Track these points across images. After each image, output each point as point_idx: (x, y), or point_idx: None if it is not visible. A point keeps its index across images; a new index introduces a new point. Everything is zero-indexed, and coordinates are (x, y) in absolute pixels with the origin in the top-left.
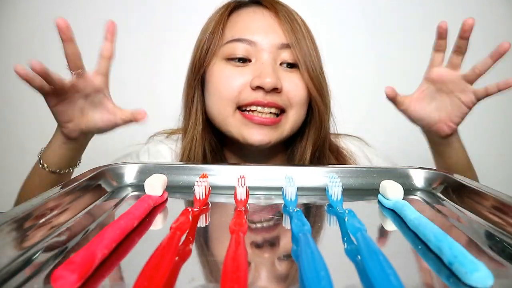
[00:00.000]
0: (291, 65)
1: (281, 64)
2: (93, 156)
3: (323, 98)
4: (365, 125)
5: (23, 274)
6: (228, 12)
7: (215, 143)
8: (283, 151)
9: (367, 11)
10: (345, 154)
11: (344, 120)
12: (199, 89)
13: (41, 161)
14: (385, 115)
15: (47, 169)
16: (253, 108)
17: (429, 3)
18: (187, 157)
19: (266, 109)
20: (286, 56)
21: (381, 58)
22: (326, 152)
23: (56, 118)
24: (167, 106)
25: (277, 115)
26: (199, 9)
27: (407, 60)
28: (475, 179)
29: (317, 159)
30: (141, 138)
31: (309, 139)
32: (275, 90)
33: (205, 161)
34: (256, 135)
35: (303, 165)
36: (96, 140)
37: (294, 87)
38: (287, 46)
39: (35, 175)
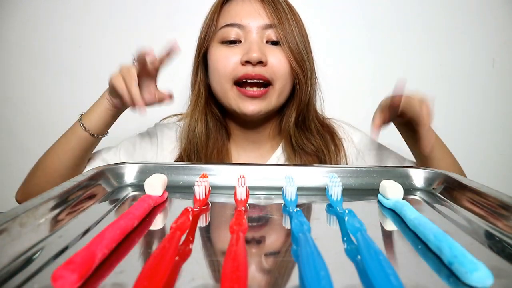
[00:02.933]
0: (275, 43)
1: (267, 42)
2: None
3: (303, 69)
4: (365, 125)
5: (23, 274)
6: (222, 2)
7: (217, 115)
8: (276, 119)
9: (367, 11)
10: (328, 124)
11: (346, 119)
12: (202, 70)
13: (82, 124)
14: None
15: (88, 131)
16: (245, 81)
17: (429, 3)
18: (190, 126)
19: (255, 81)
20: (271, 34)
21: (381, 58)
22: (310, 117)
23: (113, 89)
24: (167, 106)
25: (265, 86)
26: (199, 9)
27: (407, 60)
28: (462, 173)
29: (303, 123)
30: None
31: (294, 105)
32: (261, 63)
33: (207, 130)
34: (249, 106)
35: (303, 165)
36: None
37: (278, 61)
38: (270, 26)
39: (72, 137)
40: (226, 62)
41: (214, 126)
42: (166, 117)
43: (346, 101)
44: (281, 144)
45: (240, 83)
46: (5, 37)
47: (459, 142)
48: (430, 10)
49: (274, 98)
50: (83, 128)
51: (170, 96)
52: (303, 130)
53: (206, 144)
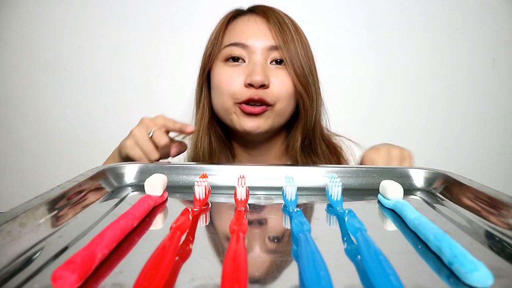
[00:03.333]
0: (280, 62)
1: (271, 62)
2: (93, 158)
3: (308, 91)
4: (365, 125)
5: (23, 274)
6: (227, 21)
7: (220, 135)
8: (280, 142)
9: (366, 11)
10: (336, 145)
11: (346, 119)
12: (206, 88)
13: None
14: (385, 115)
15: None
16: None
17: (429, 3)
18: (195, 146)
19: (257, 103)
20: (275, 55)
21: (380, 58)
22: (316, 141)
23: (129, 158)
24: (167, 106)
25: (266, 105)
26: (199, 9)
27: (406, 60)
28: None
29: (309, 147)
30: None
31: (299, 128)
32: (263, 86)
33: (210, 150)
34: (249, 123)
35: (303, 165)
36: (97, 141)
37: (281, 83)
38: (276, 47)
39: None
40: (229, 82)
41: (218, 146)
42: None
43: (345, 100)
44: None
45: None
46: (5, 37)
47: (459, 142)
48: (430, 10)
49: (271, 117)
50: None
51: (189, 128)
52: (309, 154)
53: (210, 161)
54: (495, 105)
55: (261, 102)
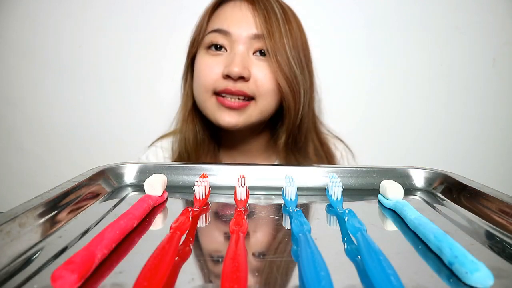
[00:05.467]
0: (263, 54)
1: (254, 52)
2: (93, 158)
3: (292, 86)
4: (364, 124)
5: (23, 274)
6: (214, 7)
7: (205, 124)
8: (267, 135)
9: (366, 11)
10: (327, 150)
11: (344, 119)
12: (190, 75)
13: None
14: (384, 115)
15: None
16: (224, 94)
17: (429, 3)
18: (180, 133)
19: (235, 96)
20: (258, 45)
21: (380, 57)
22: (302, 139)
23: None
24: (167, 106)
25: (248, 99)
26: (199, 9)
27: (406, 60)
28: None
29: (293, 144)
30: (140, 138)
31: (284, 125)
32: (242, 78)
33: (196, 139)
34: (226, 117)
35: (303, 165)
36: (97, 141)
37: (262, 76)
38: (259, 36)
39: None
40: (208, 72)
41: (202, 132)
42: (158, 139)
43: (344, 100)
44: (276, 160)
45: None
46: (5, 37)
47: (459, 142)
48: (430, 10)
49: (254, 113)
50: None
51: None
52: (293, 152)
53: (196, 151)
54: (495, 105)
55: (240, 95)
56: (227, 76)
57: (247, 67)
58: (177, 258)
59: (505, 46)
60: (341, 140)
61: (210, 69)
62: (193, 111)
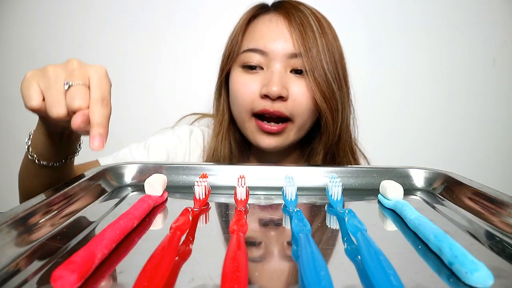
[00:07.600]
0: (301, 71)
1: (291, 71)
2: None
3: (331, 104)
4: (364, 125)
5: (23, 274)
6: (248, 20)
7: (240, 139)
8: (300, 150)
9: (366, 11)
10: (358, 159)
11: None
12: (225, 91)
13: (30, 152)
14: (384, 115)
15: (37, 162)
16: (262, 114)
17: (429, 3)
18: (215, 149)
19: (272, 118)
20: (295, 64)
21: (380, 57)
22: (340, 153)
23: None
24: (167, 106)
25: (284, 121)
26: (199, 9)
27: (406, 60)
28: None
29: (332, 160)
30: (140, 138)
31: (321, 142)
32: (281, 98)
33: (230, 155)
34: (265, 140)
35: (303, 165)
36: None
37: (300, 94)
38: (296, 55)
39: (28, 167)
40: (245, 91)
41: (236, 150)
42: (187, 115)
43: None
44: None
45: (258, 115)
46: (5, 37)
47: (459, 142)
48: (430, 10)
49: (292, 133)
50: (32, 158)
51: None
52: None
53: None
54: (495, 105)
55: (278, 116)
56: (265, 96)
57: (285, 87)
58: (177, 258)
59: (505, 46)
60: (363, 153)
61: (248, 87)
62: (230, 128)
